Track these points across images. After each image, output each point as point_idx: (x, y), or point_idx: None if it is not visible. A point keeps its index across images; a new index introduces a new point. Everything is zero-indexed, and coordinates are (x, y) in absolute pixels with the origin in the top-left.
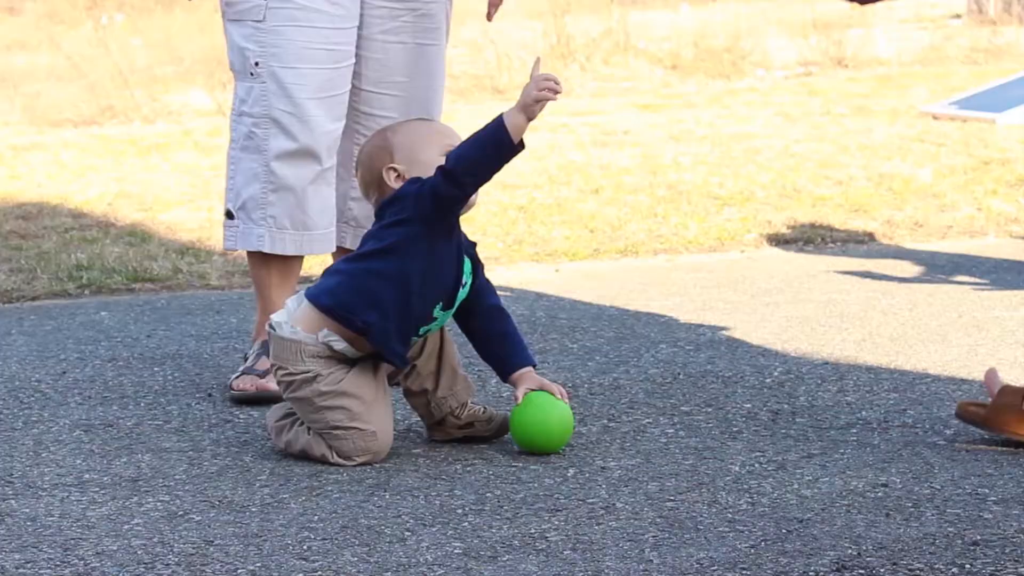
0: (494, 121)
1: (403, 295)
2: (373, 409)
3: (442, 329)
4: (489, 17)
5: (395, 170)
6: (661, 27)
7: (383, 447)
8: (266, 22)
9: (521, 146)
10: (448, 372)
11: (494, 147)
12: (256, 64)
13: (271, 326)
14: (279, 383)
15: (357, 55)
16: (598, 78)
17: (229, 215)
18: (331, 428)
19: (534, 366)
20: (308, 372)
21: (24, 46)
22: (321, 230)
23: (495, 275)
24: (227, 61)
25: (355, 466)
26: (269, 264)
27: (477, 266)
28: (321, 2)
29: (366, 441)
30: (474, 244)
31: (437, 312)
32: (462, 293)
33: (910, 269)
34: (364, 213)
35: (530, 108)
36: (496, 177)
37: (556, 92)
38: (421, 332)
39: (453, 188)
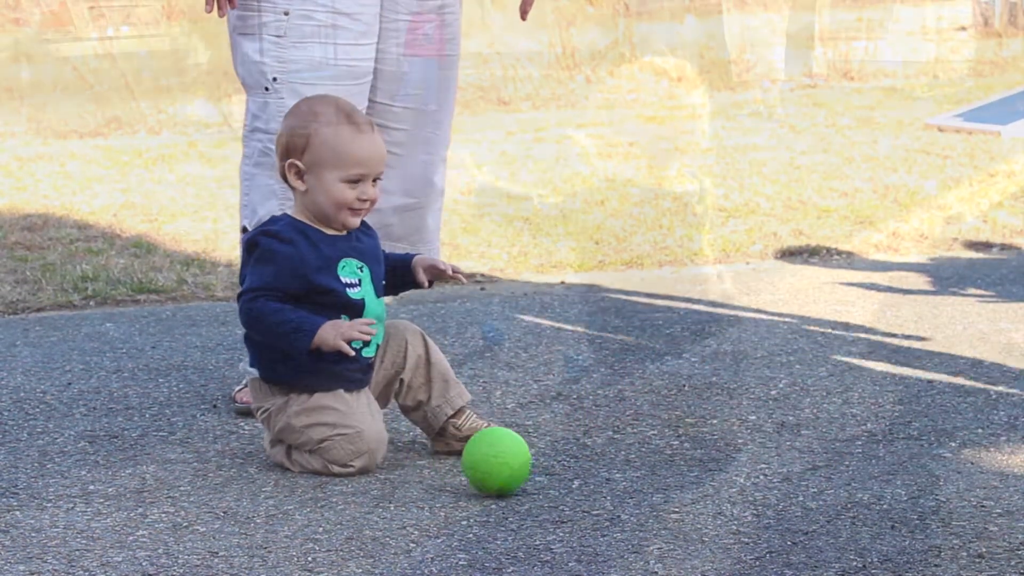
0: (307, 326)
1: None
2: (353, 414)
3: (425, 339)
4: (523, 16)
5: (296, 167)
6: (666, 39)
7: (372, 444)
8: (286, 37)
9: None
10: (439, 381)
11: (288, 342)
12: (274, 80)
13: (248, 373)
14: (262, 423)
15: (373, 68)
16: (603, 89)
17: (245, 232)
18: (319, 443)
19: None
20: (278, 401)
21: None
22: None
23: (500, 286)
24: (233, 73)
25: (356, 473)
26: None
27: (368, 257)
28: (342, 18)
29: (353, 443)
30: (366, 237)
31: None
32: (362, 294)
33: (915, 281)
34: (405, 231)
35: (341, 343)
36: (501, 188)
37: (368, 336)
38: (356, 345)
39: (241, 312)
